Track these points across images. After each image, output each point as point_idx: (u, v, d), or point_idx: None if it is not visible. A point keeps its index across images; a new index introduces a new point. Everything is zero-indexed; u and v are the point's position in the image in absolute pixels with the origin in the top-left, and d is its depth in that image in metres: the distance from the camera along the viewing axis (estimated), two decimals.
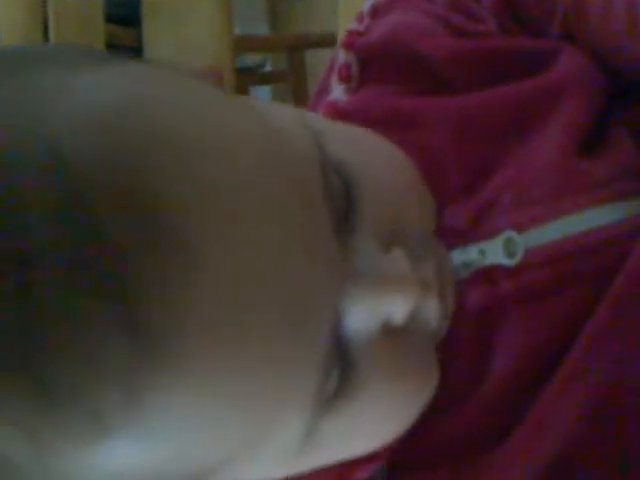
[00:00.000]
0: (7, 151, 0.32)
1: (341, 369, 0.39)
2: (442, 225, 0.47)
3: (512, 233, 0.46)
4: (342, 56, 0.53)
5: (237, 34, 1.79)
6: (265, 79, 2.62)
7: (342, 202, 0.39)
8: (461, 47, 0.51)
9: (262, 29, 2.68)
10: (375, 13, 0.55)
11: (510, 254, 0.46)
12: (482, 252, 0.46)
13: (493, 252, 0.46)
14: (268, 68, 2.59)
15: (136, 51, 1.88)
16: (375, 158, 0.43)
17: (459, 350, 0.46)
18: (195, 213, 0.33)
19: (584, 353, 0.44)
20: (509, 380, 0.45)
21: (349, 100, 0.52)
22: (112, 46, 1.60)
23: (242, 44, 2.06)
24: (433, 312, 0.42)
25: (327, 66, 0.55)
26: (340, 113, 0.51)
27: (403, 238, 0.41)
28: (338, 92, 0.52)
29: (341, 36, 1.74)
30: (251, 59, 2.49)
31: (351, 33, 0.54)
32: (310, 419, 0.38)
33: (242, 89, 2.20)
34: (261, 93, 2.67)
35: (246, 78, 2.36)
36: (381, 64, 0.52)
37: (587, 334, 0.44)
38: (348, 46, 0.53)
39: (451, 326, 0.45)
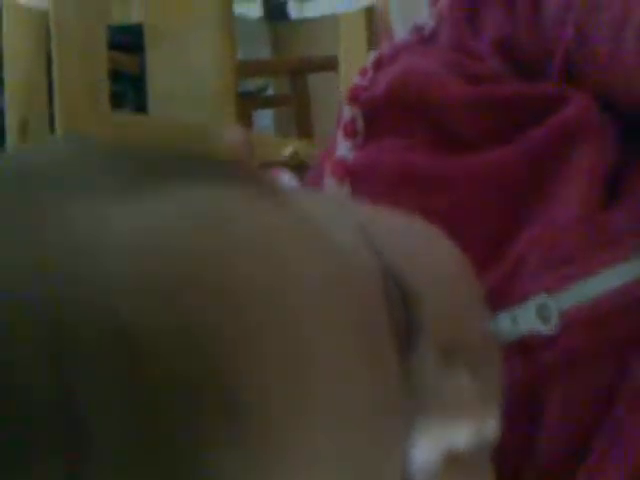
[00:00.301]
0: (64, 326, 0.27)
1: None
2: None
3: (544, 297, 0.44)
4: (347, 112, 0.51)
5: (239, 59, 1.79)
6: (267, 103, 2.63)
7: (402, 314, 0.35)
8: (470, 94, 0.49)
9: (264, 53, 2.69)
10: (379, 66, 0.53)
11: (544, 319, 0.44)
12: (514, 319, 0.44)
13: (526, 319, 0.44)
14: (270, 92, 2.60)
15: (139, 78, 1.89)
16: (426, 255, 0.40)
17: (505, 434, 0.42)
18: (274, 397, 0.29)
19: (624, 415, 0.43)
20: (556, 454, 0.44)
21: (356, 157, 0.49)
22: (115, 72, 1.60)
23: (245, 69, 2.06)
24: (491, 429, 0.38)
25: (335, 126, 0.53)
26: (350, 173, 0.49)
27: (463, 346, 0.37)
28: (344, 149, 0.50)
29: (344, 69, 1.73)
30: (253, 83, 2.50)
31: (355, 88, 0.52)
32: None
33: (245, 113, 2.20)
34: (264, 117, 2.68)
35: (248, 102, 2.36)
36: (387, 116, 0.50)
37: (627, 394, 0.43)
38: (353, 101, 0.51)
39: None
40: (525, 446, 0.44)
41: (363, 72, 0.53)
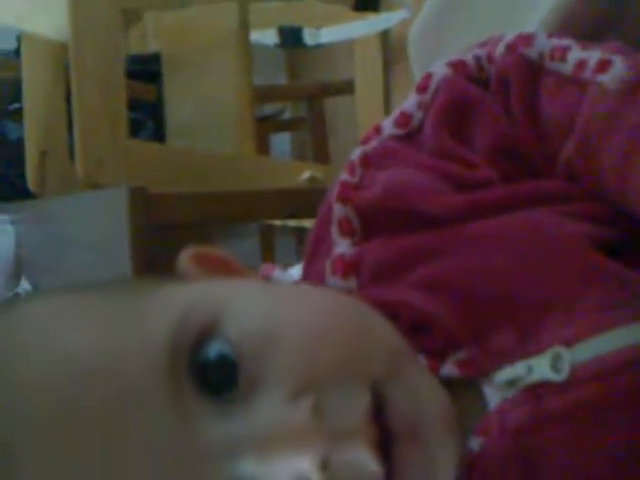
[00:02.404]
0: None
1: None
2: (487, 347, 0.46)
3: (560, 348, 0.45)
4: (339, 210, 0.51)
5: (256, 84, 1.81)
6: (284, 127, 2.65)
7: (230, 371, 0.41)
8: (469, 202, 0.50)
9: (280, 79, 2.71)
10: (367, 163, 0.53)
11: (557, 370, 0.44)
12: (529, 369, 0.45)
13: (540, 368, 0.45)
14: (287, 116, 2.61)
15: (156, 106, 1.90)
16: (290, 316, 0.43)
17: (504, 475, 0.44)
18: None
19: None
20: None
21: (358, 250, 0.50)
22: (133, 101, 1.62)
23: (262, 94, 2.08)
24: (360, 461, 0.40)
25: (319, 216, 0.53)
26: (352, 265, 0.50)
27: (318, 387, 0.40)
28: (344, 247, 0.51)
29: (360, 93, 1.74)
30: (270, 107, 2.51)
31: (344, 185, 0.52)
32: None
33: (262, 137, 2.21)
34: (281, 140, 2.70)
35: (265, 126, 2.38)
36: (384, 219, 0.50)
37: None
38: (344, 200, 0.51)
39: (492, 448, 0.44)
40: None
41: (350, 168, 0.53)
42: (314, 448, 0.39)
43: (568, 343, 0.45)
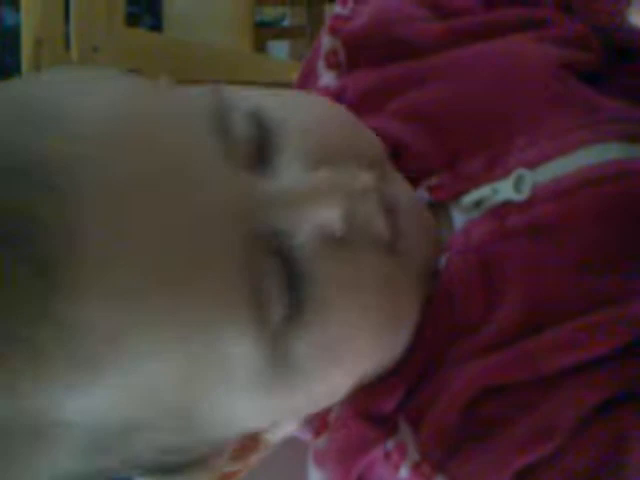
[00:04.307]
0: None
1: (291, 284, 0.41)
2: (458, 173, 0.48)
3: (523, 170, 0.47)
4: (328, 42, 0.53)
5: None
6: (283, 34, 2.62)
7: (254, 140, 0.42)
8: (450, 30, 0.51)
9: None
10: None
11: (519, 190, 0.47)
12: (495, 190, 0.47)
13: (504, 189, 0.47)
14: (286, 23, 2.59)
15: (154, 1, 1.89)
16: (299, 104, 0.45)
17: (466, 286, 0.47)
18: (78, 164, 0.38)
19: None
20: (518, 317, 0.46)
21: (342, 82, 0.52)
22: None
23: None
24: (373, 216, 0.43)
25: (311, 50, 0.55)
26: (334, 94, 0.52)
27: (331, 161, 0.42)
28: (328, 78, 0.53)
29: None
30: (269, 14, 2.49)
31: (336, 17, 0.54)
32: (261, 338, 0.40)
33: (260, 44, 2.19)
34: (279, 49, 2.67)
35: (264, 32, 2.35)
36: (369, 51, 0.52)
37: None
38: (333, 31, 0.53)
39: (455, 262, 0.47)
40: (485, 308, 0.46)
41: (343, 2, 0.54)
42: (340, 202, 0.41)
43: (531, 165, 0.47)
